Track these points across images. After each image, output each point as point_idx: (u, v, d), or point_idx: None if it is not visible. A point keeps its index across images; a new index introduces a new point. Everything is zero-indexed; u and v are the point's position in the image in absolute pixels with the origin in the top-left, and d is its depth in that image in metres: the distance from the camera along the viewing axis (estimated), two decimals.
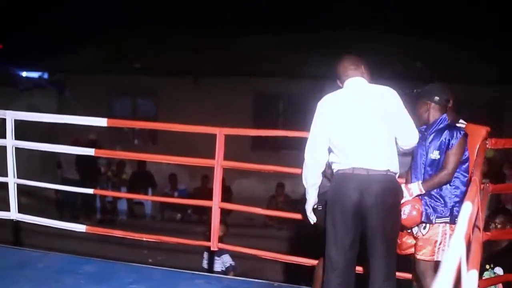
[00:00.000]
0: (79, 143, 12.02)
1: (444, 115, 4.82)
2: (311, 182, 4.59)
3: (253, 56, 16.93)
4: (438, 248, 4.66)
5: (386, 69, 12.47)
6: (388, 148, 4.32)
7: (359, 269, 4.92)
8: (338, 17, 17.12)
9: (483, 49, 16.69)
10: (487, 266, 5.72)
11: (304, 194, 4.91)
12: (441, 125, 4.78)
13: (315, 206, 4.89)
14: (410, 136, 4.45)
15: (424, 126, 4.85)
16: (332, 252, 4.38)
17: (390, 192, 4.28)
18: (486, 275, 5.66)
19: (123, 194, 15.81)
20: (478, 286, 4.73)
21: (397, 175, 4.40)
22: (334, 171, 4.44)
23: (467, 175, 4.74)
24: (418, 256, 4.76)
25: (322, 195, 4.75)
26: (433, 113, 4.82)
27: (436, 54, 16.52)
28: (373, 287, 4.33)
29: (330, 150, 4.45)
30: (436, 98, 4.82)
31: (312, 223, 4.77)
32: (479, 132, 4.90)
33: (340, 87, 4.85)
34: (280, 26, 17.37)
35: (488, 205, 7.06)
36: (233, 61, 17.09)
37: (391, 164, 4.30)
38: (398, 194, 4.44)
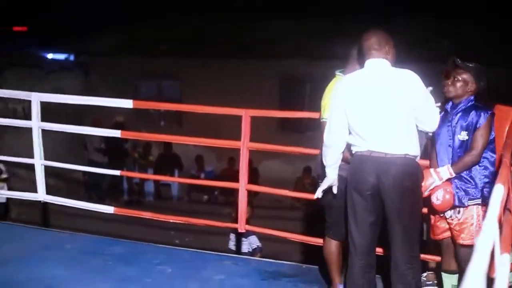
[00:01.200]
0: (100, 124, 12.08)
1: (473, 97, 4.70)
2: (330, 162, 4.54)
3: (279, 39, 16.84)
4: (475, 231, 4.60)
5: (412, 51, 12.35)
6: (407, 132, 4.24)
7: (380, 251, 4.90)
8: (364, 0, 16.96)
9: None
10: None
11: (320, 175, 4.91)
12: (468, 105, 4.67)
13: (319, 183, 4.89)
14: (430, 122, 4.38)
15: (450, 103, 4.74)
16: (354, 234, 4.36)
17: (408, 175, 4.21)
18: None
19: (150, 176, 15.90)
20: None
21: (417, 158, 4.31)
22: (353, 152, 4.39)
23: (494, 155, 4.65)
24: (460, 241, 4.68)
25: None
26: (469, 93, 4.69)
27: (464, 36, 16.32)
28: (396, 270, 4.28)
29: (349, 132, 4.39)
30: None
31: (315, 197, 4.73)
32: (509, 113, 4.81)
33: (351, 65, 4.82)
34: (306, 8, 17.25)
35: None
36: (259, 44, 17.00)
37: (410, 148, 4.22)
38: (418, 177, 4.35)
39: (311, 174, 14.58)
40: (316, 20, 16.84)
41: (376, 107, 4.21)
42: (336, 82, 4.82)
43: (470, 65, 4.71)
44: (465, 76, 4.69)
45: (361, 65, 4.51)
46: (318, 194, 4.71)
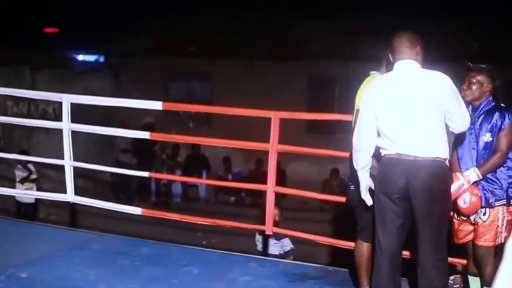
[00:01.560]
0: (125, 124, 12.14)
1: (490, 97, 4.70)
2: (361, 165, 4.50)
3: (308, 39, 16.80)
4: (500, 232, 4.57)
5: (442, 51, 12.24)
6: (437, 135, 4.20)
7: (407, 253, 4.87)
8: (395, 0, 16.86)
9: None
10: None
11: (351, 177, 4.93)
12: (489, 106, 4.66)
13: (352, 186, 4.91)
14: (462, 122, 4.33)
15: (470, 107, 4.70)
16: (381, 236, 4.33)
17: (438, 178, 4.18)
18: None
19: (177, 177, 15.96)
20: None
21: (446, 161, 4.28)
22: (382, 155, 4.36)
23: None
24: (480, 243, 4.66)
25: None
26: (486, 94, 4.68)
27: (494, 35, 16.15)
28: (423, 273, 4.26)
29: (378, 134, 4.36)
30: (498, 81, 4.70)
31: (368, 204, 4.68)
32: None
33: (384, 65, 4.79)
34: (335, 9, 17.19)
35: None
36: (288, 45, 16.99)
37: (440, 151, 4.18)
38: (447, 179, 4.33)
39: (339, 176, 14.55)
40: (345, 20, 16.80)
41: (406, 110, 4.18)
42: (372, 80, 4.79)
43: (482, 65, 4.68)
44: (480, 77, 4.68)
45: (391, 66, 4.49)
46: (369, 200, 4.62)
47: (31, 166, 11.96)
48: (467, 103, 4.68)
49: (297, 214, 11.32)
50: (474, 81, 4.67)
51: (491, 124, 4.59)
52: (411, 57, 4.31)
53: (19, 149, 12.19)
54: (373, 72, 4.99)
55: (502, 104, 4.77)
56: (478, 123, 4.66)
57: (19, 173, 11.91)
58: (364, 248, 5.03)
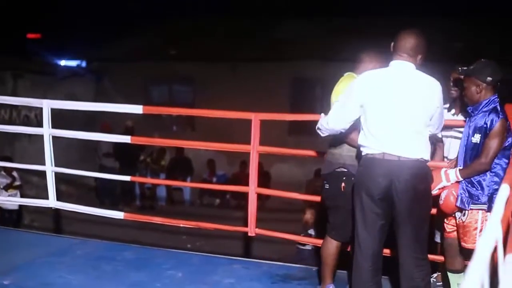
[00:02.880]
0: (108, 128, 12.12)
1: (494, 96, 4.60)
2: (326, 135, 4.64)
3: (290, 41, 16.80)
4: (479, 236, 4.55)
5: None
6: (422, 137, 4.23)
7: (387, 252, 4.90)
8: (377, 1, 16.88)
9: None
10: None
11: (325, 176, 5.03)
12: (489, 107, 4.57)
13: (327, 185, 5.00)
14: (435, 128, 4.41)
15: (471, 107, 4.67)
16: (362, 237, 4.32)
17: (420, 179, 4.20)
18: None
19: (160, 181, 15.96)
20: None
21: (427, 163, 4.29)
22: (363, 154, 4.34)
23: (507, 161, 4.57)
24: (463, 244, 4.69)
25: (338, 174, 4.84)
26: (484, 93, 4.59)
27: (476, 35, 16.23)
28: (404, 272, 4.27)
29: (360, 131, 4.36)
30: (489, 78, 4.56)
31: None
32: None
33: (361, 68, 4.81)
34: (316, 10, 17.20)
35: None
36: (270, 46, 16.99)
37: (423, 153, 4.21)
38: (429, 180, 4.34)
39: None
40: (328, 22, 16.82)
41: (395, 109, 4.17)
42: (349, 80, 4.81)
43: (469, 67, 4.67)
44: (469, 81, 4.65)
45: (377, 60, 4.51)
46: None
47: (15, 173, 11.90)
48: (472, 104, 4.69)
49: (281, 215, 11.33)
50: (466, 86, 4.65)
51: (480, 125, 4.54)
52: (409, 60, 4.27)
53: (1, 155, 12.13)
54: (348, 73, 5.02)
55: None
56: (472, 121, 4.64)
57: (3, 180, 11.84)
58: (333, 246, 5.07)
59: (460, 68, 4.77)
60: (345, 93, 4.50)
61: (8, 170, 11.77)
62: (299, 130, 15.66)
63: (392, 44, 4.36)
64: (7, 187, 11.83)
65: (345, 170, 4.82)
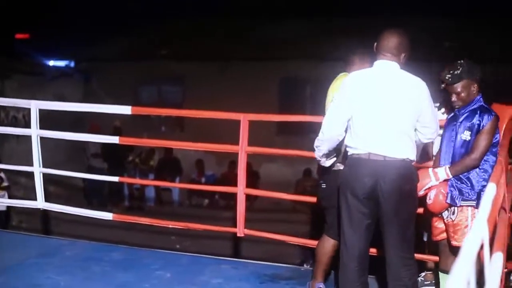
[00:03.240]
0: (97, 129, 12.10)
1: (480, 96, 4.66)
2: (325, 152, 4.55)
3: (279, 41, 16.80)
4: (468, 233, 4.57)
5: (413, 51, 12.31)
6: (408, 137, 4.21)
7: (374, 251, 4.91)
8: (366, 1, 16.91)
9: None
10: None
11: (321, 176, 5.06)
12: (476, 105, 4.62)
13: (323, 185, 5.01)
14: (431, 131, 4.35)
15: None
16: (348, 237, 4.32)
17: (406, 179, 4.19)
18: None
19: (148, 181, 15.93)
20: (506, 267, 4.70)
21: (413, 162, 4.29)
22: (349, 153, 4.34)
23: (495, 158, 4.59)
24: (453, 243, 4.69)
25: (335, 173, 4.80)
26: (475, 93, 4.65)
27: (465, 34, 16.27)
28: (391, 272, 4.27)
29: (347, 131, 4.34)
30: (479, 76, 4.64)
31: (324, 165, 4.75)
32: (506, 112, 4.79)
33: (348, 67, 4.86)
34: (305, 10, 17.21)
35: None
36: (259, 46, 16.99)
37: (409, 153, 4.20)
38: (414, 180, 4.33)
39: (312, 176, 14.58)
40: (317, 22, 16.82)
41: (380, 109, 4.16)
42: (344, 78, 4.81)
43: (458, 72, 4.67)
44: (462, 84, 4.64)
45: (367, 61, 4.52)
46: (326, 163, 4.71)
47: (2, 174, 11.86)
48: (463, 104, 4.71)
49: (270, 215, 11.34)
50: (460, 90, 4.63)
51: (471, 123, 4.56)
52: (393, 59, 4.27)
53: None
54: (343, 73, 5.05)
55: (488, 103, 4.76)
56: (460, 120, 4.65)
57: None
58: (329, 245, 5.07)
59: (447, 77, 4.73)
60: (338, 95, 4.50)
61: None
62: (287, 130, 15.69)
63: (375, 44, 4.36)
64: None
65: (341, 169, 4.83)
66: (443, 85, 4.72)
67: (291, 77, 17.19)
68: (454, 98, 4.68)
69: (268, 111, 8.01)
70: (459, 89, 4.64)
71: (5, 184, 11.95)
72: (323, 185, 5.05)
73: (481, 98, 4.66)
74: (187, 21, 17.64)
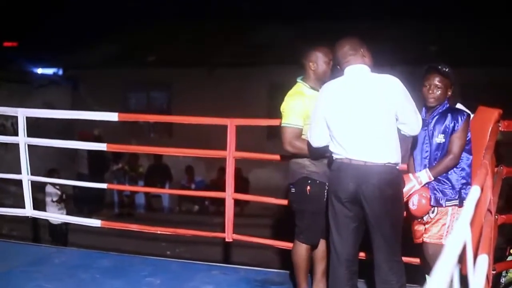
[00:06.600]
0: (86, 136, 12.08)
1: (447, 100, 4.73)
2: (316, 156, 4.72)
3: (267, 46, 16.83)
4: (447, 232, 4.60)
5: (399, 54, 12.38)
6: (388, 140, 4.20)
7: (363, 255, 4.92)
8: (352, 5, 16.97)
9: (499, 31, 16.47)
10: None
11: (291, 180, 5.13)
12: (444, 108, 4.70)
13: (293, 189, 5.10)
14: (414, 125, 4.32)
15: (424, 109, 4.76)
16: (337, 241, 4.36)
17: (389, 183, 4.19)
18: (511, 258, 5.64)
19: (138, 188, 15.87)
20: (495, 269, 4.71)
21: (397, 166, 4.29)
22: (333, 158, 4.38)
23: (470, 156, 4.69)
24: (425, 239, 4.74)
25: (303, 179, 4.94)
26: (447, 97, 4.72)
27: (451, 38, 16.34)
28: (379, 275, 4.29)
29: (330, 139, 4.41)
30: (454, 86, 4.73)
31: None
32: (492, 114, 4.80)
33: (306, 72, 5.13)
34: (294, 16, 17.26)
35: None
36: (246, 52, 17.01)
37: (391, 156, 4.18)
38: (398, 184, 4.34)
39: None
40: (304, 28, 16.85)
41: (355, 115, 4.17)
42: (298, 89, 5.08)
43: (449, 71, 4.71)
44: (446, 82, 4.69)
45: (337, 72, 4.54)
46: None
47: None
48: (422, 106, 4.75)
49: (260, 220, 11.34)
50: (439, 85, 4.68)
51: (444, 126, 4.62)
52: (358, 61, 4.32)
53: None
54: (299, 81, 5.14)
55: (458, 105, 4.82)
56: (432, 124, 4.69)
57: None
58: (303, 249, 5.09)
59: (445, 68, 4.74)
60: (312, 112, 4.60)
61: None
62: (277, 134, 15.68)
63: (334, 58, 4.56)
64: None
65: (310, 176, 4.90)
66: (432, 70, 4.75)
67: (279, 82, 17.19)
68: (430, 91, 4.71)
69: (256, 116, 8.02)
70: (442, 84, 4.69)
71: None
72: (293, 189, 5.12)
73: (447, 102, 4.73)
74: (174, 27, 17.66)
